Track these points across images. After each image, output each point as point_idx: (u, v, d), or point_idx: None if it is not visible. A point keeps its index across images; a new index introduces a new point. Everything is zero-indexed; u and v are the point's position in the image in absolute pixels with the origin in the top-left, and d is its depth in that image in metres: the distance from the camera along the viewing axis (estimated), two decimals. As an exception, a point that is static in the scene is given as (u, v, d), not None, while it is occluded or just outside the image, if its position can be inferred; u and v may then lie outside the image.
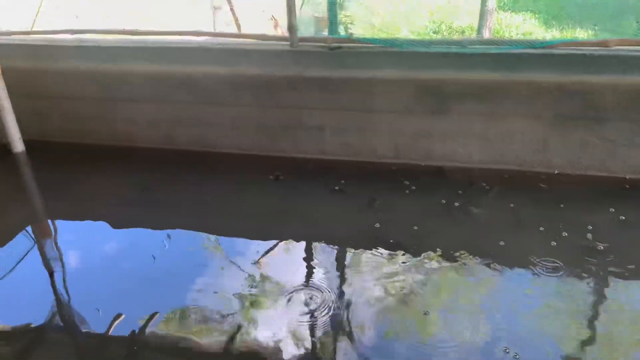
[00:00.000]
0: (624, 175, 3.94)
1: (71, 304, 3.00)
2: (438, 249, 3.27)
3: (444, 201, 3.76)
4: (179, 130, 4.65)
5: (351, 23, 9.52)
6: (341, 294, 2.95)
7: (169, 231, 3.60)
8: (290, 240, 3.48)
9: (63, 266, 3.32)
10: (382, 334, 2.69)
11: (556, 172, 4.05)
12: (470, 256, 3.21)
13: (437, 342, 2.62)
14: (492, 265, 3.13)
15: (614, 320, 2.74)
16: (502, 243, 3.32)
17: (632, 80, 3.71)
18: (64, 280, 3.19)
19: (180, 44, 4.49)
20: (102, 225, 3.73)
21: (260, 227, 3.62)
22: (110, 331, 2.77)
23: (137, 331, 2.76)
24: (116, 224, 3.71)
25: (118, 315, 2.86)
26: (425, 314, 2.78)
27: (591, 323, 2.72)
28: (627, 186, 3.87)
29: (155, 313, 2.86)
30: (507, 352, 2.53)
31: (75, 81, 4.70)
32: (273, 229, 3.58)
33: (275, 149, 4.50)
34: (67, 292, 3.11)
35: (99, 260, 3.38)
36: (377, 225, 3.53)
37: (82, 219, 3.83)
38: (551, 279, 3.01)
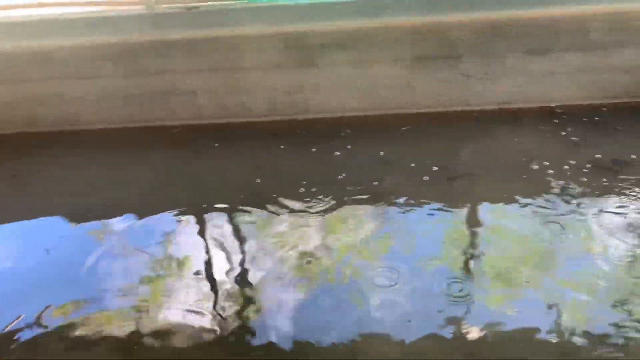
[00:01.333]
0: (482, 107, 4.24)
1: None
2: (319, 196, 3.38)
3: (314, 149, 3.86)
4: (42, 110, 4.38)
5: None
6: (239, 254, 3.00)
7: (50, 218, 3.44)
8: (181, 210, 3.42)
9: None
10: (281, 285, 2.76)
11: (423, 111, 4.28)
12: (349, 198, 3.35)
13: (321, 287, 2.75)
14: (371, 203, 3.28)
15: (490, 238, 3.00)
16: (375, 183, 3.48)
17: (480, 16, 3.96)
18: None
19: (30, 17, 4.18)
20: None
21: (145, 201, 3.53)
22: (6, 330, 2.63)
23: (35, 327, 2.63)
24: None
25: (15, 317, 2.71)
26: (308, 262, 2.89)
27: (472, 242, 2.96)
28: (475, 115, 4.19)
29: (49, 305, 2.74)
30: (397, 270, 2.74)
31: None
32: (160, 202, 3.50)
33: (149, 118, 4.37)
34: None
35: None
36: (258, 181, 3.58)
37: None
38: (427, 209, 3.22)
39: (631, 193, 3.18)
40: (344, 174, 3.58)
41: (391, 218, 3.19)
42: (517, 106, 4.21)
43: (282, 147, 3.95)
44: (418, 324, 2.45)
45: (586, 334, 2.32)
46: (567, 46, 4.01)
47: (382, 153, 3.77)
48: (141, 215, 3.38)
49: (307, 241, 3.04)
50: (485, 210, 3.18)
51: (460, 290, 2.63)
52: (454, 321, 2.44)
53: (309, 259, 2.90)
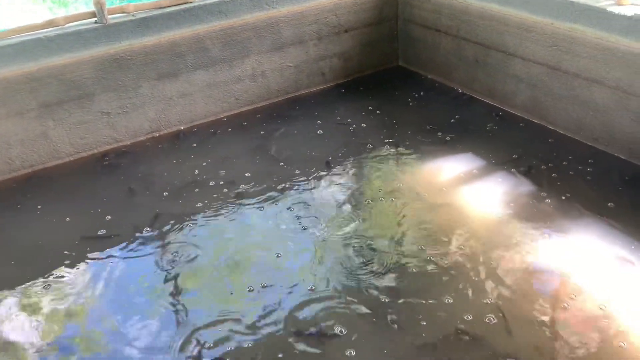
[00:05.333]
0: (132, 141, 4.13)
1: None
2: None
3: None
4: None
5: None
6: None
7: None
8: None
9: None
10: None
11: (71, 159, 3.96)
12: None
13: None
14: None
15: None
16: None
17: (100, 52, 3.80)
18: None
19: None
20: None
21: None
22: None
23: None
24: None
25: None
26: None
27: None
28: (125, 149, 4.07)
29: None
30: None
31: None
32: None
33: None
34: None
35: None
36: None
37: None
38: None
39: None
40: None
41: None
42: (166, 132, 4.23)
43: None
44: None
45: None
46: (194, 66, 4.18)
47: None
48: None
49: None
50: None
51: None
52: None
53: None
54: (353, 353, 2.38)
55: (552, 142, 3.82)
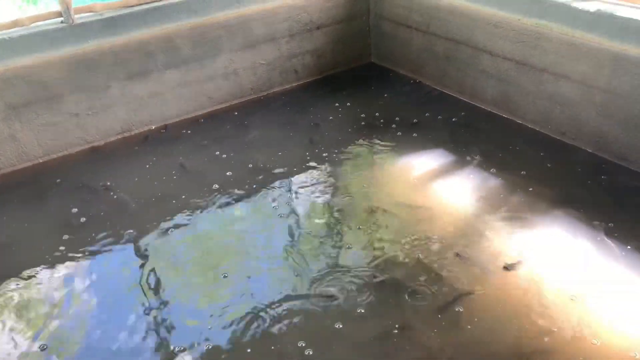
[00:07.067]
0: (104, 141, 4.08)
1: None
2: None
3: None
4: None
5: None
6: None
7: None
8: None
9: None
10: None
11: (40, 161, 3.90)
12: None
13: None
14: None
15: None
16: None
17: (67, 52, 3.75)
18: None
19: None
20: None
21: None
22: None
23: None
24: None
25: None
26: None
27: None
28: (100, 150, 4.03)
29: None
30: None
31: None
32: None
33: None
34: None
35: None
36: None
37: None
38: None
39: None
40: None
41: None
42: (137, 132, 4.19)
43: None
44: None
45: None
46: (165, 65, 4.14)
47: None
48: None
49: None
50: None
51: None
52: None
53: None
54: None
55: (521, 137, 3.88)
